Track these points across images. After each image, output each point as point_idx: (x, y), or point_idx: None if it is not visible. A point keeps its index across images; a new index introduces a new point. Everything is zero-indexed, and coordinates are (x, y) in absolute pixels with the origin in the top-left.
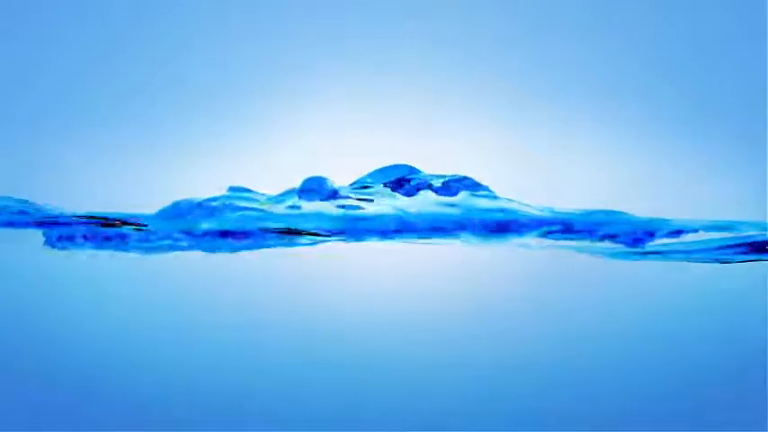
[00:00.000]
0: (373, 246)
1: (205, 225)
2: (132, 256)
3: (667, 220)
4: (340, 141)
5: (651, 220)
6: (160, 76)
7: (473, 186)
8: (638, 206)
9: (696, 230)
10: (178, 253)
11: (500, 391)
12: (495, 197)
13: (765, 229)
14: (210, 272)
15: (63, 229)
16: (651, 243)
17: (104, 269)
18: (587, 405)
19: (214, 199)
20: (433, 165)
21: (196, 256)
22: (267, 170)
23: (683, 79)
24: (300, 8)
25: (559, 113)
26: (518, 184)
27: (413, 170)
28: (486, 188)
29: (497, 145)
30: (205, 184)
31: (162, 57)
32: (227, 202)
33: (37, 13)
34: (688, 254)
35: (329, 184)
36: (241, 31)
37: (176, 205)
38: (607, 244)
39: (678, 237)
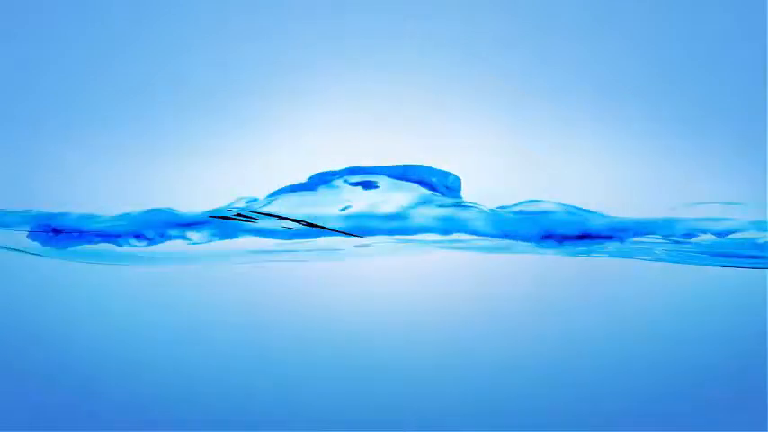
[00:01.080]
0: (371, 246)
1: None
2: (133, 257)
3: (667, 220)
4: (340, 141)
5: (650, 221)
6: (160, 76)
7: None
8: (638, 206)
9: (695, 230)
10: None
11: (501, 392)
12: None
13: (765, 230)
14: (211, 273)
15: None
16: (651, 243)
17: (104, 270)
18: (587, 405)
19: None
20: (433, 164)
21: (199, 259)
22: (267, 170)
23: (683, 79)
24: (300, 8)
25: (559, 113)
26: (517, 184)
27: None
28: (456, 186)
29: (497, 145)
30: (204, 185)
31: (162, 57)
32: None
33: (37, 13)
34: (688, 254)
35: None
36: (241, 31)
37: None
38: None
39: (677, 237)
